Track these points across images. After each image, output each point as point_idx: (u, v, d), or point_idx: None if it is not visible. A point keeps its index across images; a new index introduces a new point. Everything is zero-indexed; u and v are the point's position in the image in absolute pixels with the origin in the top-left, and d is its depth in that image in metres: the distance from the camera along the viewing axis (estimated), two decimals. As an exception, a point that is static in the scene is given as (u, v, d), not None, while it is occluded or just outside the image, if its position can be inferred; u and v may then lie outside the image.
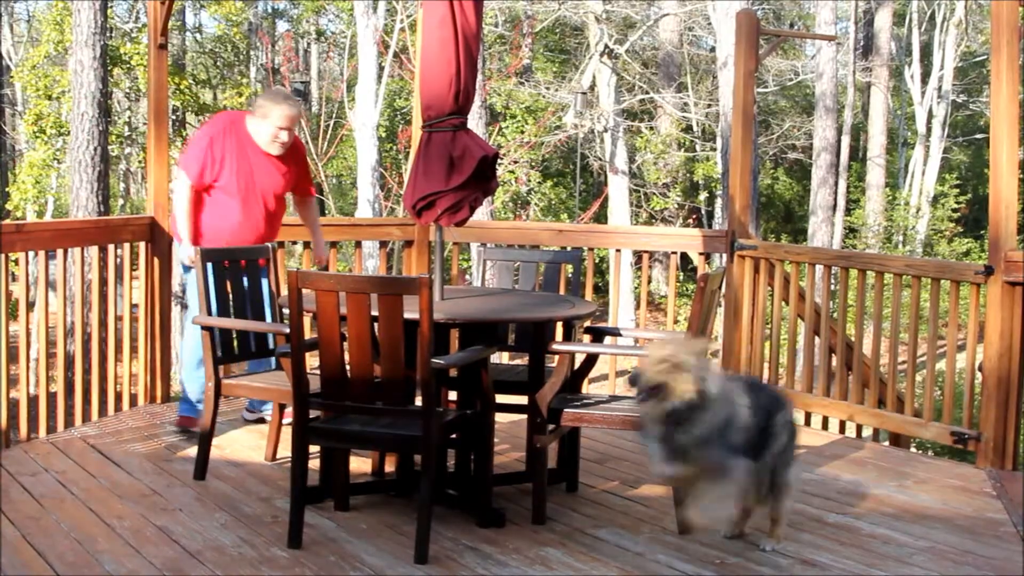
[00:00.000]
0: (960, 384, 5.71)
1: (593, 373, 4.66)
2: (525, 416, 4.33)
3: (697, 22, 18.96)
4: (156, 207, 5.65)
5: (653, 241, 6.54)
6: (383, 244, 6.51)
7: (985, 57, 21.37)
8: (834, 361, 5.84)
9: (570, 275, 5.27)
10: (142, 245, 5.63)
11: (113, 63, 14.90)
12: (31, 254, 5.13)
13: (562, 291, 5.35)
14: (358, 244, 6.51)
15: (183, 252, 5.00)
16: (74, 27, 11.11)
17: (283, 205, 5.25)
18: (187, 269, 5.04)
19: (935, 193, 21.19)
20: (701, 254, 6.27)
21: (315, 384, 3.73)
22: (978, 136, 23.76)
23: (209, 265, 4.58)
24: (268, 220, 5.13)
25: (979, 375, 4.94)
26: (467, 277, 14.80)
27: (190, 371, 5.10)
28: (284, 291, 4.83)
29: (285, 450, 4.65)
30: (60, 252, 5.11)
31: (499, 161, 13.57)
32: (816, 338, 5.87)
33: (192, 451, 4.57)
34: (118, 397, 5.47)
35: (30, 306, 5.93)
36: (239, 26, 20.92)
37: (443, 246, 4.52)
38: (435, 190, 4.25)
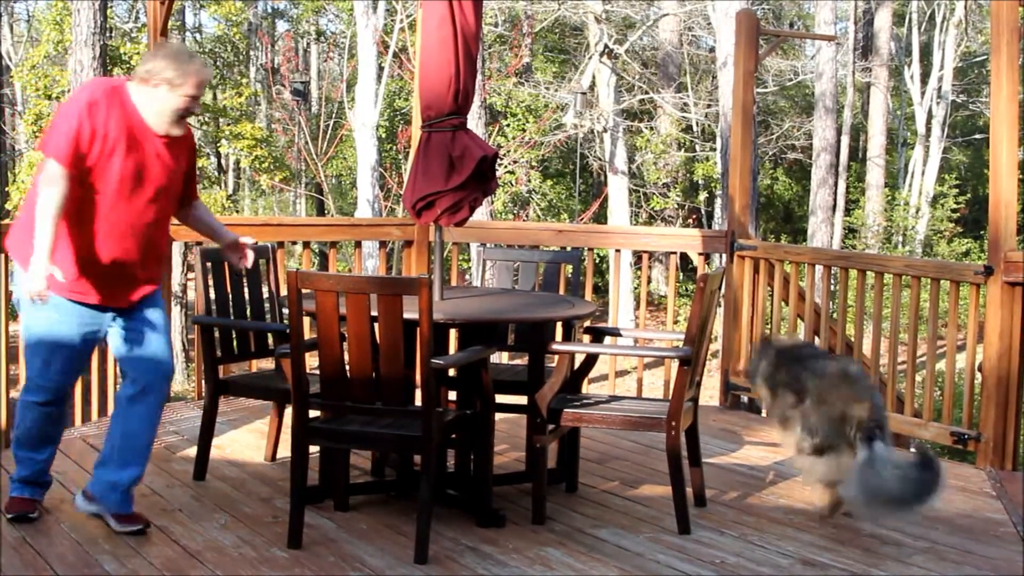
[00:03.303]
0: (960, 384, 5.71)
1: (593, 373, 4.66)
2: (525, 416, 4.33)
3: (697, 22, 18.95)
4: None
5: (653, 241, 6.54)
6: (383, 244, 6.52)
7: (985, 57, 21.38)
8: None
9: (570, 275, 5.27)
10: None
11: (113, 63, 14.90)
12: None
13: (562, 291, 5.35)
14: (358, 244, 6.51)
15: (37, 275, 3.37)
16: (74, 27, 11.11)
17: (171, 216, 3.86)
18: (25, 300, 3.51)
19: (934, 193, 21.18)
20: (701, 254, 6.27)
21: (315, 384, 3.73)
22: (978, 136, 23.76)
23: (209, 265, 4.58)
24: (154, 238, 3.72)
25: (979, 375, 4.94)
26: (467, 277, 14.81)
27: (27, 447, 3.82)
28: (284, 291, 4.83)
29: (285, 450, 4.65)
30: (60, 252, 5.09)
31: (499, 161, 13.58)
32: (816, 338, 5.87)
33: (192, 451, 4.57)
34: (118, 397, 5.46)
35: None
36: (239, 26, 20.93)
37: (443, 246, 4.52)
38: (435, 190, 4.26)
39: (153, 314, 3.79)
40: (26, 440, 3.78)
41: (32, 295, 3.39)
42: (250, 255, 4.05)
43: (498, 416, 4.08)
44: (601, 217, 19.09)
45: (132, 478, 3.72)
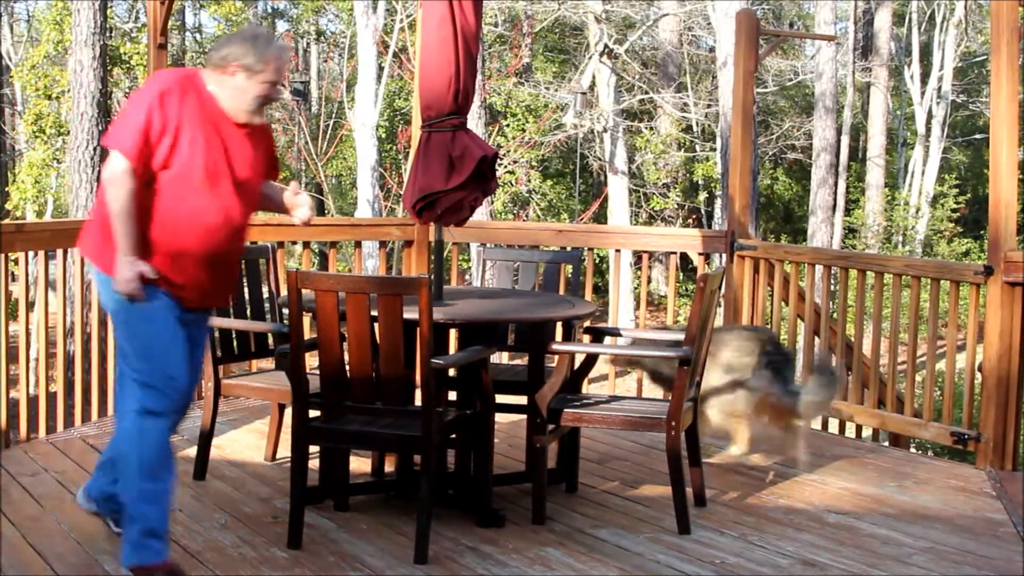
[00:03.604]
0: (960, 384, 5.71)
1: (593, 373, 4.66)
2: (525, 416, 4.33)
3: (697, 22, 18.95)
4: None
5: (653, 241, 6.54)
6: (383, 244, 6.51)
7: (985, 57, 21.38)
8: (834, 361, 5.84)
9: (570, 275, 5.27)
10: (142, 245, 5.61)
11: (113, 63, 14.90)
12: (31, 254, 5.13)
13: (562, 291, 5.35)
14: (358, 244, 6.51)
15: (127, 276, 3.18)
16: (74, 27, 11.11)
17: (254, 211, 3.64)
18: (116, 303, 3.29)
19: (934, 193, 21.18)
20: (701, 254, 6.27)
21: (315, 384, 3.73)
22: (978, 136, 23.75)
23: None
24: (239, 235, 3.50)
25: (979, 375, 4.94)
26: (467, 277, 14.80)
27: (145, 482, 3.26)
28: (284, 291, 4.83)
29: (285, 450, 4.65)
30: (60, 252, 5.10)
31: (499, 161, 13.57)
32: (816, 338, 5.87)
33: (192, 451, 4.57)
34: (118, 397, 5.45)
35: (30, 306, 5.92)
36: (239, 26, 20.93)
37: (443, 246, 4.52)
38: (435, 190, 4.25)
39: (205, 337, 3.59)
40: (150, 466, 3.24)
41: (126, 294, 3.18)
42: (302, 204, 3.67)
43: (498, 416, 4.08)
44: (601, 217, 19.09)
45: None
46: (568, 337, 4.46)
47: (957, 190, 21.04)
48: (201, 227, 3.31)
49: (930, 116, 21.94)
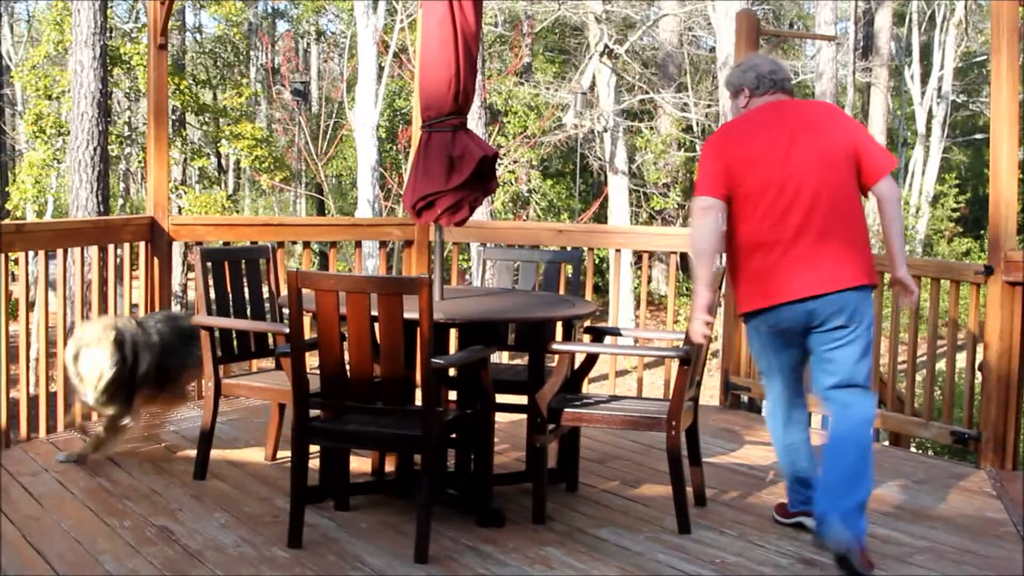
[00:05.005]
0: (960, 384, 5.71)
1: (593, 373, 4.66)
2: (525, 416, 4.33)
3: (697, 22, 18.96)
4: (156, 207, 5.65)
5: (653, 241, 6.53)
6: (383, 244, 6.52)
7: (985, 57, 21.39)
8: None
9: (570, 275, 5.27)
10: (142, 245, 5.63)
11: (113, 63, 14.91)
12: (31, 254, 5.13)
13: (562, 291, 5.34)
14: (358, 244, 6.51)
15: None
16: (74, 27, 11.11)
17: None
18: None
19: (935, 193, 21.19)
20: (701, 254, 6.25)
21: (315, 384, 3.73)
22: (978, 136, 23.76)
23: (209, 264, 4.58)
24: None
25: (979, 375, 4.94)
26: (467, 277, 14.81)
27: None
28: (284, 291, 4.83)
29: (285, 450, 4.65)
30: (60, 252, 5.11)
31: (499, 161, 13.59)
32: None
33: (192, 451, 4.58)
34: (118, 397, 5.45)
35: (30, 306, 5.93)
36: (239, 26, 20.96)
37: (443, 246, 4.52)
38: (435, 190, 4.26)
39: None
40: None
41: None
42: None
43: (498, 416, 4.08)
44: (601, 217, 19.10)
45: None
46: (568, 337, 4.46)
47: (957, 190, 21.06)
48: None
49: (930, 116, 21.95)
